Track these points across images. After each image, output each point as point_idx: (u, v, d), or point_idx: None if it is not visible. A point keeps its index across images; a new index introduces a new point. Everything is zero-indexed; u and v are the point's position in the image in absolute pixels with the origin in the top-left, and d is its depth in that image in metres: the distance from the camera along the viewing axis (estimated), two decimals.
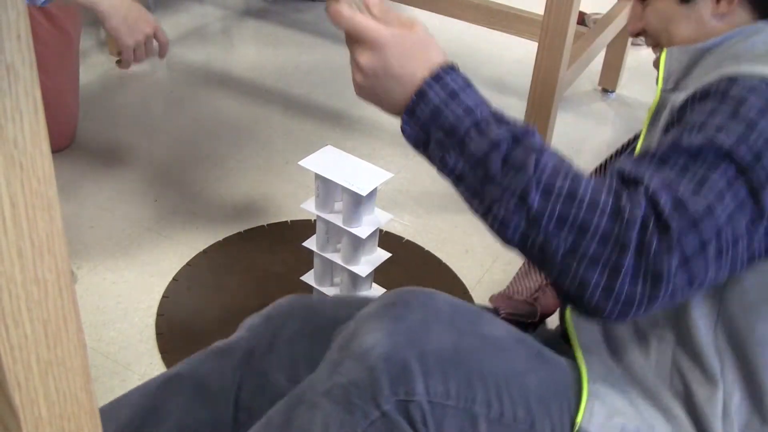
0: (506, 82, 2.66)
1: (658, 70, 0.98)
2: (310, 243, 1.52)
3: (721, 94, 0.84)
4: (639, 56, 2.81)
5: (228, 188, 2.05)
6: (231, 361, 1.11)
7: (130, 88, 2.44)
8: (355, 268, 1.45)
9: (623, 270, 0.74)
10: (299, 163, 1.43)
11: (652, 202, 0.75)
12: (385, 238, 1.90)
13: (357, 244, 1.43)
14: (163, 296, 1.70)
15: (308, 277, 1.57)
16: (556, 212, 0.75)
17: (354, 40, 0.83)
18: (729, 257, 0.78)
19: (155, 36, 1.64)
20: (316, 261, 1.53)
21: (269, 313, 1.17)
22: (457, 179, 0.81)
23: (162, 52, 1.68)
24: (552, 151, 0.80)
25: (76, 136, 2.15)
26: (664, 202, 0.75)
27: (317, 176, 1.42)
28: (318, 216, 1.46)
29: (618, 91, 2.63)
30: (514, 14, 2.39)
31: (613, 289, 0.74)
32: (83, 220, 1.90)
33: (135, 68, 2.52)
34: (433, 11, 2.54)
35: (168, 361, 1.55)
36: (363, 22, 0.82)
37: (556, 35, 1.80)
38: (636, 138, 1.15)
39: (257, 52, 2.74)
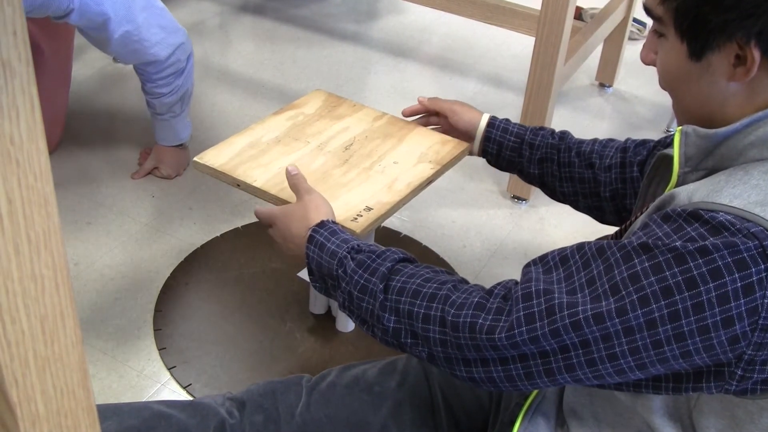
0: (503, 78, 2.66)
1: (672, 148, 0.85)
2: None
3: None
4: (636, 51, 2.81)
5: (225, 184, 2.04)
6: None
7: (127, 84, 2.43)
8: None
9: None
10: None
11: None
12: (383, 234, 1.90)
13: None
14: (161, 292, 1.70)
15: (305, 273, 1.56)
16: (408, 328, 0.87)
17: (264, 223, 1.11)
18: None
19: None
20: None
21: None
22: (349, 312, 0.95)
23: (154, 173, 2.06)
24: (403, 267, 0.91)
25: (61, 141, 2.14)
26: None
27: None
28: None
29: (615, 86, 2.63)
30: (511, 9, 2.39)
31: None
32: (80, 216, 1.89)
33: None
34: (430, 6, 2.54)
35: (166, 356, 1.55)
36: (260, 209, 1.11)
37: (553, 30, 1.80)
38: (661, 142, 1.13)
39: (254, 47, 2.73)
